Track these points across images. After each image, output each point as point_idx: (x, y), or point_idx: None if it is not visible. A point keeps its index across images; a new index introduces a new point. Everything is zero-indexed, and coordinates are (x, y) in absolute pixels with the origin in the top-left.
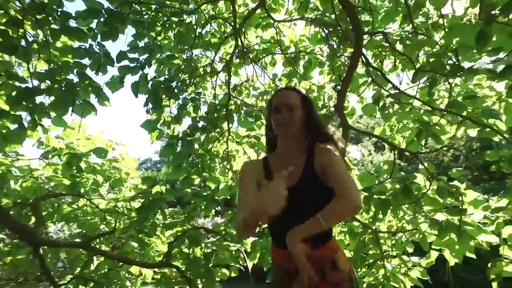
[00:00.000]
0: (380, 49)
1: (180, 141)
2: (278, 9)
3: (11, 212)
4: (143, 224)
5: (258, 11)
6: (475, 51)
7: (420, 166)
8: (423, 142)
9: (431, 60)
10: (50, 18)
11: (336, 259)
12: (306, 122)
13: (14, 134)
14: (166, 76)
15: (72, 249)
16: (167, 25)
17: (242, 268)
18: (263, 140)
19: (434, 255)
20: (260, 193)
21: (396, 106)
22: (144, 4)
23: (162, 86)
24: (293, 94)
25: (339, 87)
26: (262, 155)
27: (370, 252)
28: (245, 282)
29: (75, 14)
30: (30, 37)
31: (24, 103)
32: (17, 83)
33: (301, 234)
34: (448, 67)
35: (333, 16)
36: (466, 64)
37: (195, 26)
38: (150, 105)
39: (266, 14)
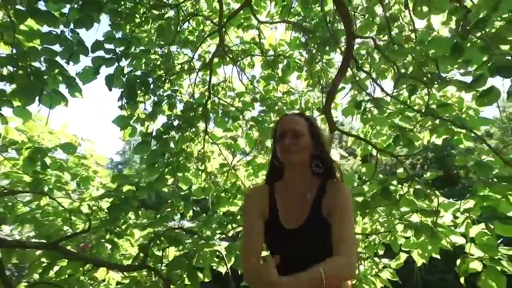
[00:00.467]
0: (368, 53)
1: (154, 139)
2: (260, 11)
3: None
4: (114, 224)
5: (241, 11)
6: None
7: (399, 170)
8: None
9: (410, 68)
10: None
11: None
12: (315, 152)
13: None
14: (143, 71)
15: (27, 253)
16: (147, 17)
17: (218, 271)
18: (240, 141)
19: (403, 257)
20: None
21: (376, 111)
22: None
23: (138, 80)
24: (299, 120)
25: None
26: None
27: None
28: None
29: None
30: None
31: None
32: None
33: (297, 283)
34: (429, 75)
35: (313, 22)
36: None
37: (176, 21)
38: (124, 100)
39: (249, 15)
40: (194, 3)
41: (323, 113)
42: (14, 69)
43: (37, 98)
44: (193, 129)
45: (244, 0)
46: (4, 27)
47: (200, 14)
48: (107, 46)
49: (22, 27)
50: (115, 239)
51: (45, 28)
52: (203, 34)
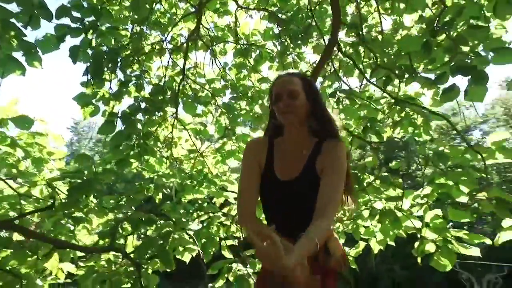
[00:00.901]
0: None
1: (121, 120)
2: None
3: None
4: (75, 207)
5: None
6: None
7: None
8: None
9: (385, 60)
10: None
11: (328, 245)
12: (311, 110)
13: None
14: (112, 47)
15: None
16: None
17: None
18: (209, 128)
19: (362, 245)
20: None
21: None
22: None
23: (106, 57)
24: (294, 79)
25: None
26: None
27: None
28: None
29: None
30: None
31: None
32: None
33: (301, 258)
34: (402, 67)
35: (288, 15)
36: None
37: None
38: (89, 76)
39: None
40: None
41: None
42: None
43: None
44: (161, 113)
45: None
46: None
47: None
48: (74, 14)
49: None
50: (71, 226)
51: None
52: (174, 17)
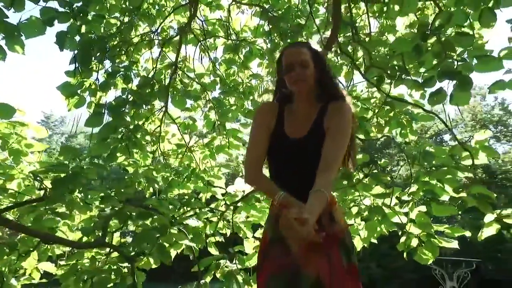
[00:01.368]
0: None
1: (110, 111)
2: None
3: None
4: (60, 201)
5: None
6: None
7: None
8: None
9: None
10: None
11: (333, 212)
12: (318, 78)
13: None
14: (101, 35)
15: None
16: None
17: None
18: (198, 123)
19: None
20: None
21: None
22: None
23: (95, 45)
24: (304, 50)
25: None
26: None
27: None
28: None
29: None
30: None
31: None
32: None
33: (316, 214)
34: (396, 67)
35: (279, 12)
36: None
37: None
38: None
39: None
40: None
41: None
42: None
43: None
44: (148, 107)
45: None
46: None
47: None
48: None
49: None
50: (55, 222)
51: None
52: (163, 9)
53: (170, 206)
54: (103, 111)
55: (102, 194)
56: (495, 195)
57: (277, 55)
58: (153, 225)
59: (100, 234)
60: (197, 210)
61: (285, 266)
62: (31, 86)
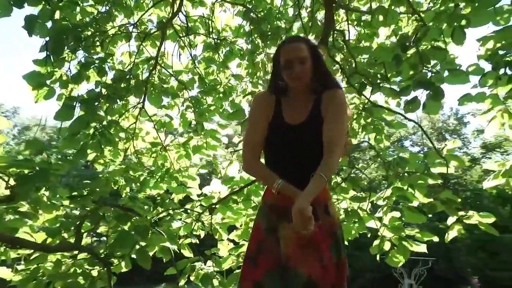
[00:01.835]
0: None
1: (83, 105)
2: None
3: None
4: (25, 199)
5: None
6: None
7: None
8: None
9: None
10: None
11: (328, 205)
12: (314, 71)
13: None
14: (76, 23)
15: None
16: None
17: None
18: (174, 122)
19: None
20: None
21: None
22: None
23: (69, 33)
24: (302, 46)
25: None
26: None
27: None
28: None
29: None
30: None
31: None
32: None
33: (311, 196)
34: (378, 75)
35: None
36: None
37: None
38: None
39: None
40: None
41: None
42: None
43: None
44: (123, 102)
45: None
46: None
47: None
48: None
49: None
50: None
51: None
52: (142, 1)
53: (145, 207)
54: (74, 104)
55: (75, 193)
56: (459, 199)
57: (257, 56)
58: (132, 226)
59: (65, 235)
60: (171, 211)
61: (280, 262)
62: None
